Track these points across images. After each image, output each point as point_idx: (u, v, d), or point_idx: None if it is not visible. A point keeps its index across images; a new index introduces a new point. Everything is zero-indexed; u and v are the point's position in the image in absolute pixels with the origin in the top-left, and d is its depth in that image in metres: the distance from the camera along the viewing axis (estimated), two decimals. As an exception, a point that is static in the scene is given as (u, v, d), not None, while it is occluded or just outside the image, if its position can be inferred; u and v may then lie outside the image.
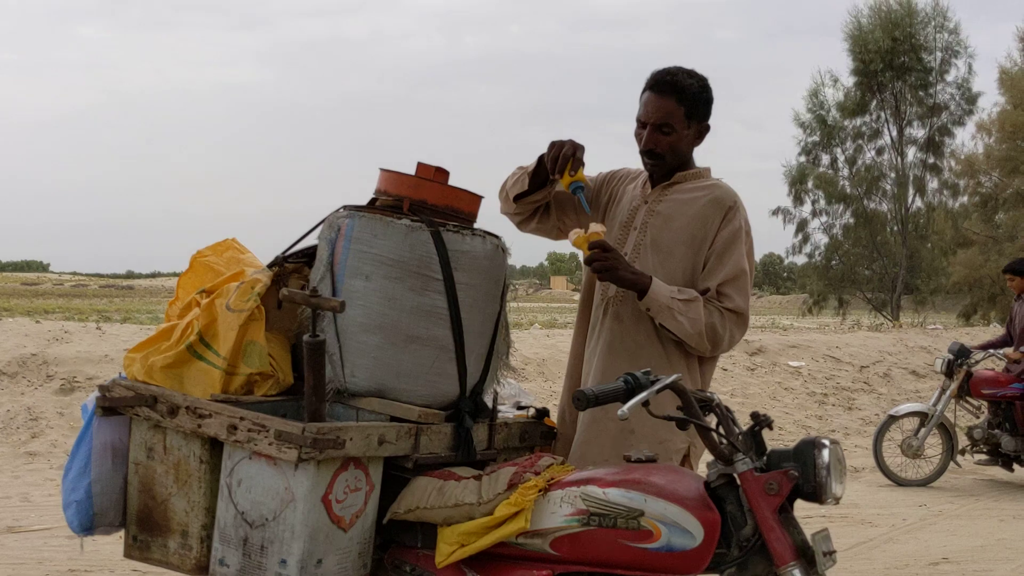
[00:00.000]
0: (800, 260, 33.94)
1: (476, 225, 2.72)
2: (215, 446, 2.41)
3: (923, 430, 8.15)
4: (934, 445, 8.32)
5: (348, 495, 2.33)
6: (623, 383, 2.10)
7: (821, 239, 32.27)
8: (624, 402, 2.04)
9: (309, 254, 2.75)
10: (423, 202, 2.60)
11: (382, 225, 2.51)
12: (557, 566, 2.26)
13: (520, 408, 3.01)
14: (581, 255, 2.70)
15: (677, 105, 2.74)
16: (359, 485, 2.37)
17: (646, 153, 2.81)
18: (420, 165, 2.68)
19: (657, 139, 2.76)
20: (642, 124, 2.80)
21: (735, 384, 11.32)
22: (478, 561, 2.35)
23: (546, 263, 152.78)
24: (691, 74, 2.78)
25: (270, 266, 2.73)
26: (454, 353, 2.57)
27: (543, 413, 2.96)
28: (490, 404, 2.71)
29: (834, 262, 32.75)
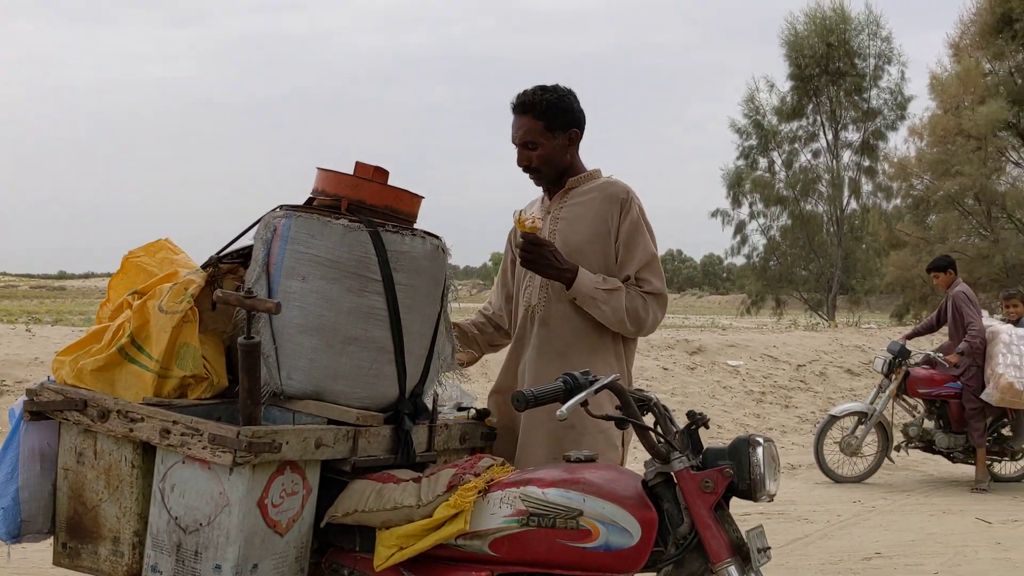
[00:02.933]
0: (739, 261, 34.58)
1: (416, 225, 2.71)
2: (147, 450, 2.36)
3: (862, 428, 8.32)
4: (870, 443, 8.50)
5: (284, 499, 2.30)
6: (562, 383, 2.10)
7: (759, 240, 32.91)
8: (563, 402, 2.05)
9: (244, 255, 2.70)
10: (361, 202, 2.58)
11: (319, 225, 2.48)
12: (496, 567, 2.25)
13: (461, 409, 3.00)
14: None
15: (534, 120, 2.91)
16: (296, 489, 2.34)
17: (524, 170, 3.01)
18: (359, 164, 2.65)
19: (527, 155, 2.95)
20: (515, 144, 2.99)
21: (675, 383, 11.45)
22: (417, 564, 2.34)
23: (489, 263, 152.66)
24: (546, 89, 2.93)
25: (204, 267, 2.68)
26: (393, 355, 2.55)
27: (484, 414, 2.96)
28: (430, 406, 2.70)
29: (771, 263, 33.36)
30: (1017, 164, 27.02)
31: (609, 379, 2.15)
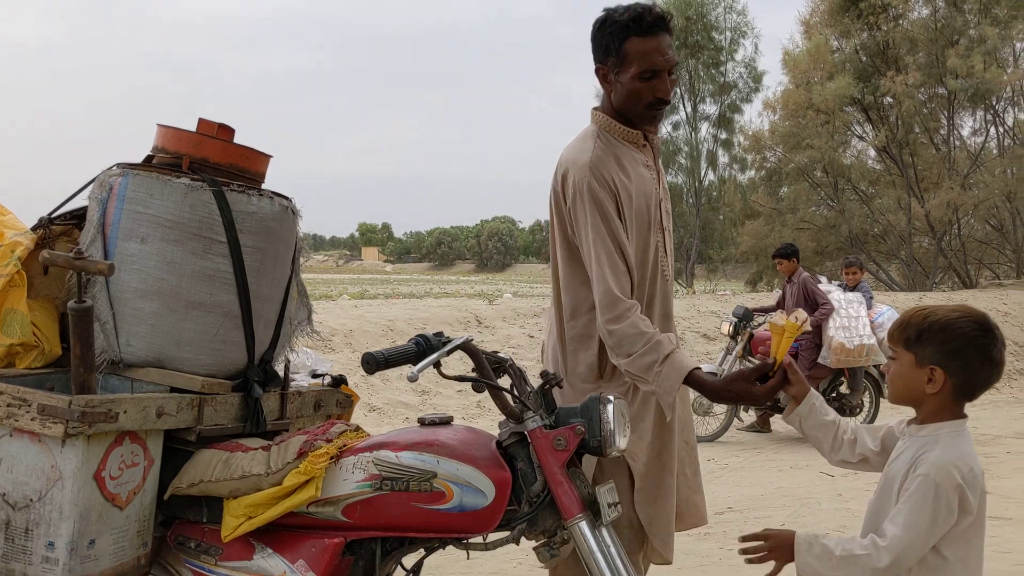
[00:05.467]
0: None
1: (264, 186, 2.61)
2: (-30, 425, 2.20)
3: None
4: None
5: (124, 471, 2.19)
6: (414, 345, 2.07)
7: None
8: (415, 364, 2.02)
9: (80, 215, 2.55)
10: (204, 160, 2.46)
11: (159, 184, 2.36)
12: (350, 533, 2.22)
13: (316, 376, 2.93)
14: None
15: (671, 38, 2.51)
16: (136, 460, 2.23)
17: (655, 104, 2.53)
18: (201, 121, 2.53)
19: (672, 83, 2.52)
20: (654, 72, 2.46)
21: (537, 352, 11.57)
22: (268, 533, 2.27)
23: (356, 234, 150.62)
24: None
25: (34, 228, 2.52)
26: (241, 320, 2.46)
27: (339, 381, 2.90)
28: (282, 373, 2.62)
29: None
30: (861, 138, 28.45)
31: (461, 340, 2.13)
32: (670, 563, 2.63)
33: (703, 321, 13.81)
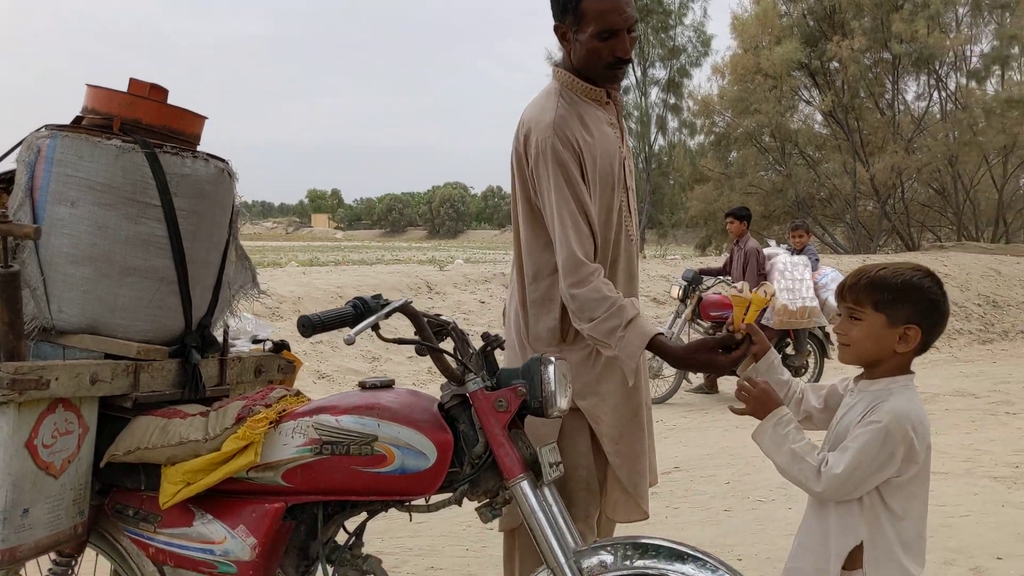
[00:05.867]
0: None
1: (199, 148, 2.55)
2: None
3: (661, 351, 8.74)
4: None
5: (57, 439, 2.15)
6: (351, 307, 2.05)
7: (573, 175, 33.50)
8: (352, 327, 2.00)
9: (8, 179, 2.47)
10: (137, 121, 2.40)
11: (89, 146, 2.29)
12: (291, 497, 2.21)
13: (257, 342, 2.90)
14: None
15: None
16: (70, 428, 2.19)
17: (615, 64, 2.48)
18: (133, 81, 2.46)
19: (632, 41, 2.46)
20: (612, 31, 2.41)
21: (492, 316, 11.60)
22: (207, 499, 2.25)
23: (306, 201, 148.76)
24: None
25: (-41, 193, 2.43)
26: (177, 285, 2.41)
27: (281, 346, 2.86)
28: (221, 338, 2.59)
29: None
30: (808, 103, 28.73)
31: (400, 302, 2.11)
32: (648, 518, 2.65)
33: (653, 285, 13.93)
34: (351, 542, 2.30)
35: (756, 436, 2.14)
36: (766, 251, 9.10)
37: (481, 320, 11.31)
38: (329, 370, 9.07)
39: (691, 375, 9.13)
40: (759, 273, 8.77)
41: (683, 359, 2.43)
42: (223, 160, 2.54)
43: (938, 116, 28.30)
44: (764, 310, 8.74)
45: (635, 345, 2.35)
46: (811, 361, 9.21)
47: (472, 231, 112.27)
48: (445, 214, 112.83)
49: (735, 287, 2.32)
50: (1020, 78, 28.66)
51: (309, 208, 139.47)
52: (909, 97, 28.98)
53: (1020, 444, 6.67)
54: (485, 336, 2.24)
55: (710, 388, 9.39)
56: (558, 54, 2.60)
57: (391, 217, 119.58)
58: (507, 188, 2.66)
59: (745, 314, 2.30)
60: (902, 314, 2.06)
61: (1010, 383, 9.90)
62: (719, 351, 2.33)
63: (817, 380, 9.20)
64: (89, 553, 2.46)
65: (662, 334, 2.40)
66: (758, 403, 2.14)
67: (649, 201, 32.03)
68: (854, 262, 16.98)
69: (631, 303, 2.40)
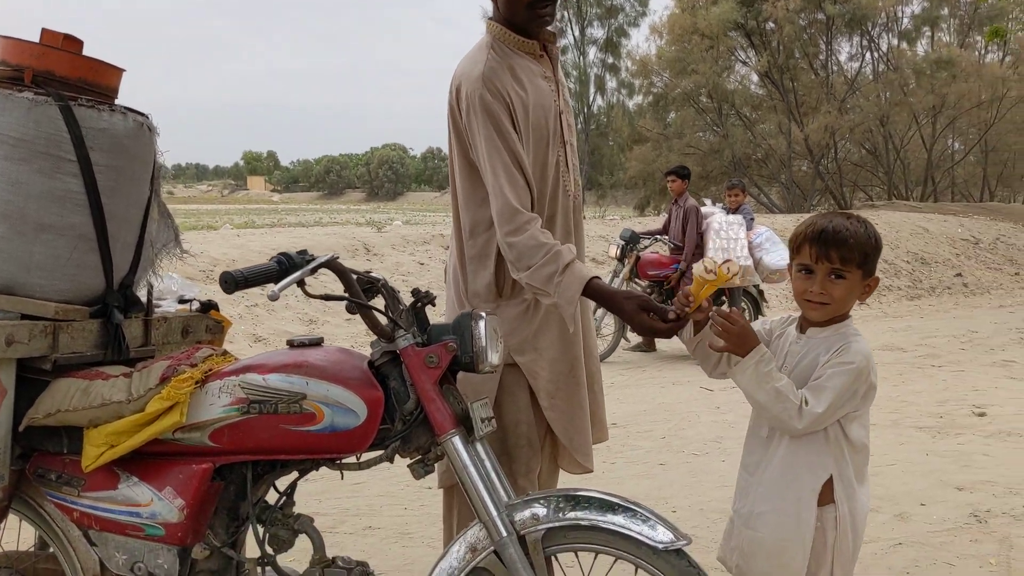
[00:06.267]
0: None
1: (117, 101, 2.46)
2: None
3: (600, 311, 8.81)
4: (609, 324, 9.03)
5: (-28, 403, 2.08)
6: (276, 263, 2.00)
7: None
8: (276, 282, 1.95)
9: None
10: (50, 73, 2.30)
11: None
12: (219, 458, 2.17)
13: (183, 301, 2.83)
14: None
15: None
16: (-14, 391, 2.11)
17: (542, 2, 2.46)
18: (45, 31, 2.35)
19: None
20: None
21: (431, 276, 11.55)
22: (133, 461, 2.20)
23: (241, 163, 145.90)
24: None
25: None
26: (96, 243, 2.33)
27: (209, 306, 2.80)
28: (145, 298, 2.52)
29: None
30: (745, 63, 28.96)
31: (326, 257, 2.07)
32: (591, 471, 2.69)
33: (592, 246, 13.98)
34: (282, 501, 2.28)
35: (736, 372, 2.14)
36: (702, 210, 9.20)
37: (420, 281, 11.25)
38: (265, 333, 8.96)
39: (629, 334, 9.22)
40: (697, 232, 8.86)
41: (616, 302, 2.37)
42: (143, 114, 2.46)
43: (870, 77, 28.77)
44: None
45: (573, 289, 2.34)
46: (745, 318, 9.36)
47: (412, 193, 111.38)
48: (384, 176, 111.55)
49: (703, 265, 2.17)
50: (949, 39, 29.22)
51: (245, 171, 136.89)
52: (842, 58, 29.42)
53: (944, 396, 6.89)
54: (415, 292, 2.22)
55: (648, 346, 9.49)
56: (491, 11, 2.58)
57: (329, 179, 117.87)
58: (447, 149, 2.63)
59: (702, 290, 2.21)
60: (871, 268, 2.13)
61: (936, 337, 10.20)
62: (651, 314, 2.31)
63: (751, 337, 9.36)
64: (12, 519, 2.40)
65: (598, 277, 2.39)
66: (739, 339, 2.12)
67: (588, 162, 32.09)
68: (788, 221, 17.27)
69: (568, 248, 2.39)
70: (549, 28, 2.59)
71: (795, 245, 2.16)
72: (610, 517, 2.05)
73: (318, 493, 4.51)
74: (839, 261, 2.08)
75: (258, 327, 9.06)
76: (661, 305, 2.32)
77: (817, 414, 2.05)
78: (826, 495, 2.12)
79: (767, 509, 2.16)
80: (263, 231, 15.30)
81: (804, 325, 2.21)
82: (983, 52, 30.26)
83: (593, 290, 2.36)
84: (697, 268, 2.19)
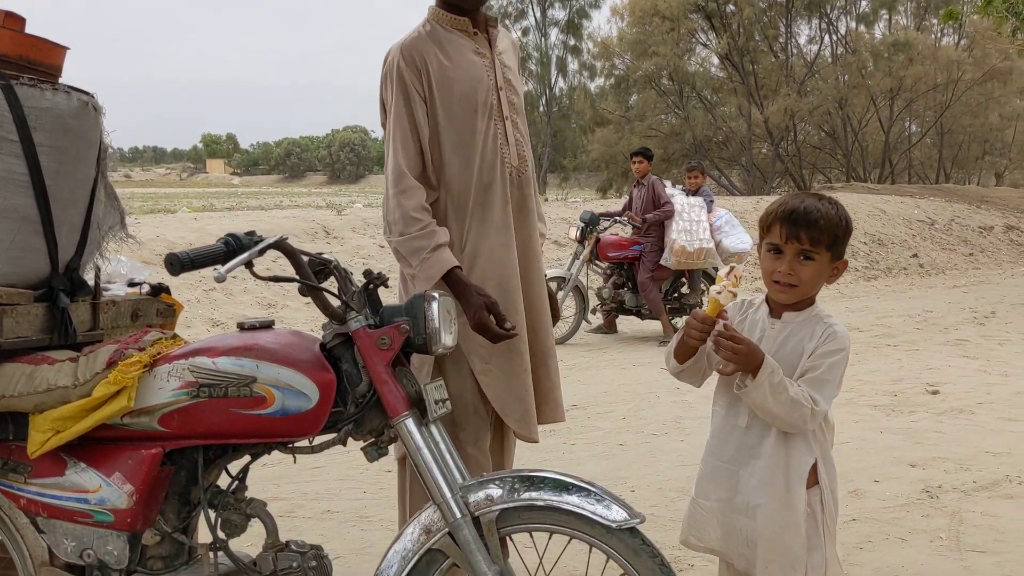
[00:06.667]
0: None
1: (62, 80, 2.41)
2: None
3: (561, 293, 8.84)
4: (570, 306, 9.05)
5: (-88, 389, 2.03)
6: (223, 244, 1.97)
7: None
8: (223, 264, 1.92)
9: None
10: (-11, 51, 2.24)
11: (-64, 77, 2.13)
12: (168, 442, 2.14)
13: (133, 285, 2.78)
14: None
15: None
16: (-74, 377, 2.06)
17: None
18: (-16, 9, 2.30)
19: None
20: None
21: (393, 260, 11.48)
22: (81, 447, 2.17)
23: (200, 146, 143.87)
24: None
25: None
26: (40, 225, 2.28)
27: (159, 289, 2.76)
28: (92, 281, 2.47)
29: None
30: (705, 46, 29.05)
31: (274, 239, 2.04)
32: (536, 442, 2.71)
33: (554, 228, 13.99)
34: (234, 486, 2.25)
35: (750, 392, 2.04)
36: (667, 191, 9.21)
37: (381, 264, 11.18)
38: (223, 317, 8.86)
39: (590, 315, 9.25)
40: (658, 203, 8.88)
41: (468, 295, 2.46)
42: (88, 93, 2.40)
43: (829, 60, 29.01)
44: (656, 245, 8.86)
45: (435, 270, 2.46)
46: (704, 299, 9.42)
47: (374, 176, 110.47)
48: (345, 158, 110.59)
49: (714, 288, 2.08)
50: (906, 22, 29.52)
51: (204, 153, 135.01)
52: (802, 40, 29.66)
53: (899, 374, 7.00)
54: (367, 273, 2.20)
55: (608, 328, 9.54)
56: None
57: (289, 162, 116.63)
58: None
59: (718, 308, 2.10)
60: (840, 250, 2.10)
61: (892, 317, 10.36)
62: (492, 317, 2.44)
63: (711, 318, 9.42)
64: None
65: (460, 267, 2.50)
66: (747, 358, 2.03)
67: (551, 144, 32.08)
68: (748, 204, 17.42)
69: (444, 231, 2.51)
70: (490, 13, 2.71)
71: (766, 224, 2.13)
72: (564, 497, 2.06)
73: (276, 478, 4.47)
74: (808, 242, 2.05)
75: (216, 311, 8.96)
76: (503, 315, 2.46)
77: (824, 410, 2.05)
78: (811, 478, 2.11)
79: (764, 500, 2.10)
80: (222, 214, 15.12)
81: (778, 310, 2.16)
82: (939, 35, 30.65)
83: (454, 278, 2.47)
84: (712, 292, 2.09)
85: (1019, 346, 8.33)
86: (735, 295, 2.11)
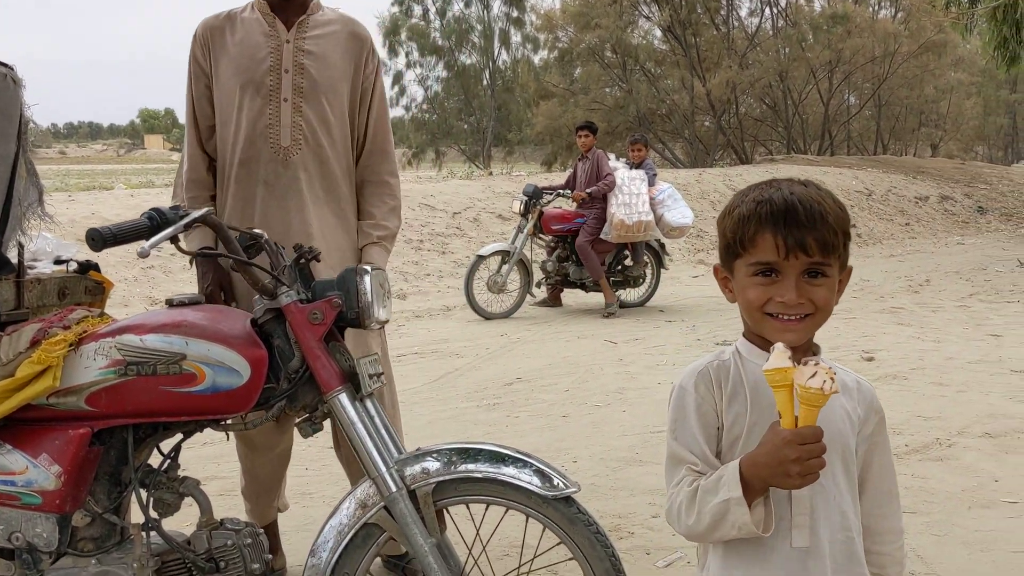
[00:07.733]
0: (398, 113, 34.65)
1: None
2: None
3: (506, 267, 8.85)
4: (514, 280, 9.07)
5: None
6: (147, 219, 1.93)
7: (417, 92, 33.10)
8: (148, 239, 1.88)
9: None
10: None
11: None
12: (97, 422, 2.10)
13: (59, 262, 2.72)
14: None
15: None
16: None
17: None
18: None
19: None
20: None
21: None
22: (6, 428, 2.12)
23: (138, 121, 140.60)
24: None
25: None
26: (-42, 201, 2.22)
27: (87, 267, 2.69)
28: (15, 259, 2.41)
29: (433, 116, 33.79)
30: (648, 18, 29.09)
31: (201, 212, 2.00)
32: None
33: (498, 202, 13.99)
34: (166, 465, 2.22)
35: None
36: (610, 165, 9.24)
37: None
38: (162, 295, 8.71)
39: (535, 288, 9.27)
40: (601, 176, 8.91)
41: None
42: (7, 65, 2.33)
43: (770, 32, 29.25)
44: (598, 217, 8.90)
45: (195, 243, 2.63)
46: (648, 272, 9.50)
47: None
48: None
49: (809, 366, 1.31)
50: (845, -5, 29.83)
51: (141, 129, 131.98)
52: (743, 13, 29.82)
53: (836, 342, 7.15)
54: (298, 248, 2.17)
55: (553, 302, 9.57)
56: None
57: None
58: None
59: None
60: (847, 253, 1.46)
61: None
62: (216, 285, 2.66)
63: (653, 291, 9.51)
64: None
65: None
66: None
67: (495, 118, 31.96)
68: (691, 176, 17.57)
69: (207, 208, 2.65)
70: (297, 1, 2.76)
71: (738, 235, 1.43)
72: (501, 468, 2.07)
73: (216, 457, 4.43)
74: (819, 251, 1.39)
75: (155, 289, 8.81)
76: (221, 292, 2.67)
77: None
78: None
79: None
80: (159, 190, 14.81)
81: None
82: (876, 8, 31.07)
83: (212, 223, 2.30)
84: (809, 382, 1.28)
85: (951, 313, 8.55)
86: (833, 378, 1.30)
